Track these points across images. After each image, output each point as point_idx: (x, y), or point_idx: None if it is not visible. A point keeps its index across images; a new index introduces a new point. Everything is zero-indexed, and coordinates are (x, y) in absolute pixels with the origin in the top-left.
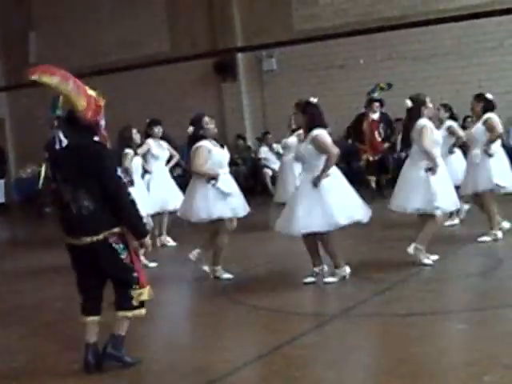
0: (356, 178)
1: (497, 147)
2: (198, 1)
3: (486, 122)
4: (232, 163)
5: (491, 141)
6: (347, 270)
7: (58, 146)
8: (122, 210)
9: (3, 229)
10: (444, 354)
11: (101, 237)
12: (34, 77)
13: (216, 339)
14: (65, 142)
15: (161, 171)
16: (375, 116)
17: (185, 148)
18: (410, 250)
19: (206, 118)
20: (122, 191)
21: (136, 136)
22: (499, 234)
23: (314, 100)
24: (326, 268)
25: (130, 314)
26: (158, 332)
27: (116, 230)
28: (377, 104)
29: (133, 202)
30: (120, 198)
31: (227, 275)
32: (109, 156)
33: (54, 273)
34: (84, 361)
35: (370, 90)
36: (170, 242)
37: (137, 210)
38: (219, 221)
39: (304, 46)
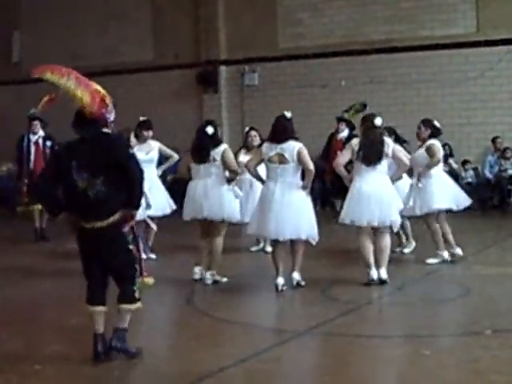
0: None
1: (438, 171)
2: (184, 11)
3: (429, 148)
4: None
5: (429, 166)
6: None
7: (25, 144)
8: (134, 187)
9: None
10: (404, 378)
11: (116, 217)
12: (38, 75)
13: (179, 350)
14: (32, 140)
15: (150, 175)
16: (342, 136)
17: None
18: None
19: None
20: (140, 171)
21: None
22: (445, 255)
23: (287, 114)
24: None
25: (133, 306)
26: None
27: (123, 212)
28: (343, 124)
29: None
30: (138, 177)
31: (225, 279)
32: (123, 143)
33: (23, 272)
34: (94, 351)
35: (343, 110)
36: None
37: (143, 185)
38: (221, 223)
39: (287, 63)
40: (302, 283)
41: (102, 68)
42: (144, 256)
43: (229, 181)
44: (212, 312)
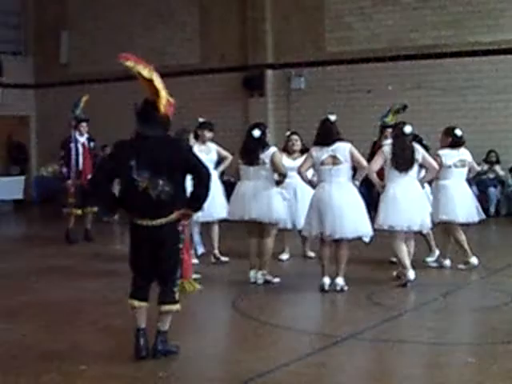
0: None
1: (456, 181)
2: (231, 15)
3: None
4: None
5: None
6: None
7: (73, 145)
8: (204, 188)
9: (19, 226)
10: None
11: (172, 217)
12: (129, 63)
13: (223, 352)
14: (80, 141)
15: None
16: (385, 143)
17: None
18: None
19: None
20: (209, 174)
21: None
22: (475, 261)
23: (332, 117)
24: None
25: (174, 307)
26: None
27: (183, 211)
28: (389, 130)
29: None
30: (207, 179)
31: (277, 279)
32: (187, 146)
33: (68, 273)
34: (135, 346)
35: (382, 115)
36: (223, 258)
37: (210, 188)
38: (270, 224)
39: (334, 67)
40: (345, 288)
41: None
42: (195, 261)
43: (277, 183)
44: (256, 315)
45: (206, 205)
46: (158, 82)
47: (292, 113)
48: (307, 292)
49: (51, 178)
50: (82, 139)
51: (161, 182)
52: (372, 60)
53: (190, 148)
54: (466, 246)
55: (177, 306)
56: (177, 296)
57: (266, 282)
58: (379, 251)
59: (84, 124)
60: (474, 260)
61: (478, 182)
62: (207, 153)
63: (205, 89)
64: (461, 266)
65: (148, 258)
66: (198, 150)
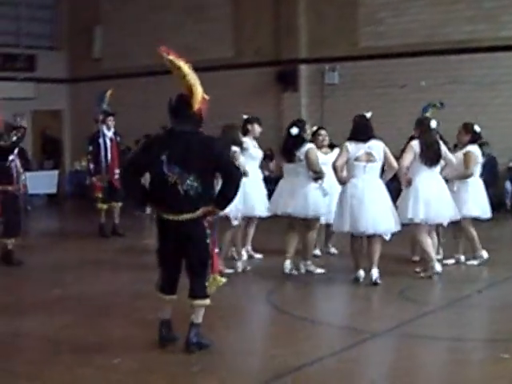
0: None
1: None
2: (264, 9)
3: (465, 155)
4: None
5: (460, 177)
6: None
7: (101, 140)
8: (232, 188)
9: (53, 220)
10: (482, 381)
11: (198, 213)
12: (170, 57)
13: (256, 346)
14: (108, 135)
15: (256, 173)
16: None
17: None
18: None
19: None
20: (239, 173)
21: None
22: (485, 255)
23: (368, 114)
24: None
25: (206, 302)
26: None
27: (209, 208)
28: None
29: (241, 180)
30: (237, 179)
31: (320, 270)
32: (221, 144)
33: (98, 265)
34: (159, 335)
35: (422, 108)
36: (257, 255)
37: (239, 188)
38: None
39: (367, 62)
40: (379, 281)
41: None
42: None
43: (316, 179)
44: (290, 310)
45: (249, 200)
46: (194, 78)
47: (325, 108)
48: (340, 287)
49: (84, 172)
50: (110, 133)
51: (190, 178)
52: (405, 55)
53: (225, 146)
54: (476, 240)
55: (207, 301)
56: (208, 290)
57: (308, 271)
58: (407, 247)
59: (111, 118)
60: (484, 254)
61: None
62: (258, 149)
63: (238, 84)
64: (473, 262)
65: (175, 251)
66: (253, 145)
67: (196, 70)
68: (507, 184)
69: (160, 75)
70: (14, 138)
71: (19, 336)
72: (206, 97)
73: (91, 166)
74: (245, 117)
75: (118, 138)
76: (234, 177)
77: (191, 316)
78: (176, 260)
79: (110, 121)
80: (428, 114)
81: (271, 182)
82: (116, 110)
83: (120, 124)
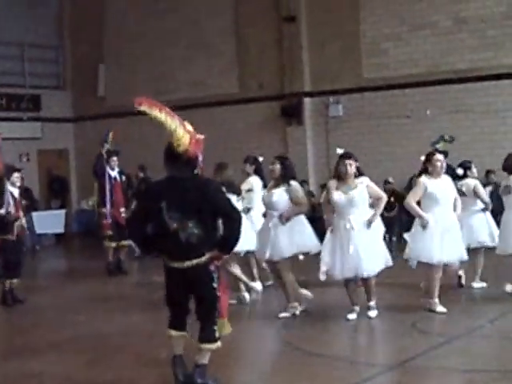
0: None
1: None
2: (268, 43)
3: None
4: None
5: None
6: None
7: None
8: (232, 231)
9: (61, 259)
10: None
11: (203, 259)
12: (143, 108)
13: (269, 383)
14: (112, 175)
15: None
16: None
17: None
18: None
19: None
20: (239, 214)
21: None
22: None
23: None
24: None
25: (214, 346)
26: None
27: (214, 253)
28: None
29: (241, 222)
30: (238, 221)
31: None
32: (218, 186)
33: (110, 303)
34: (173, 372)
35: (433, 141)
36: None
37: (241, 230)
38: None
39: (371, 93)
40: (375, 314)
41: (186, 101)
42: (233, 301)
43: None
44: (302, 345)
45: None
46: (172, 123)
47: (331, 141)
48: (352, 321)
49: (92, 210)
50: (114, 173)
51: (190, 225)
52: (410, 85)
53: (221, 188)
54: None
55: (217, 344)
56: (216, 334)
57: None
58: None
59: (114, 158)
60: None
61: None
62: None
63: (244, 118)
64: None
65: (181, 296)
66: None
67: (202, 105)
68: None
69: None
70: None
71: (33, 377)
72: (201, 136)
73: (103, 210)
74: (258, 157)
75: (124, 177)
76: (231, 219)
77: (196, 356)
78: (183, 302)
79: (113, 161)
80: (439, 146)
81: None
82: (122, 148)
83: (128, 162)
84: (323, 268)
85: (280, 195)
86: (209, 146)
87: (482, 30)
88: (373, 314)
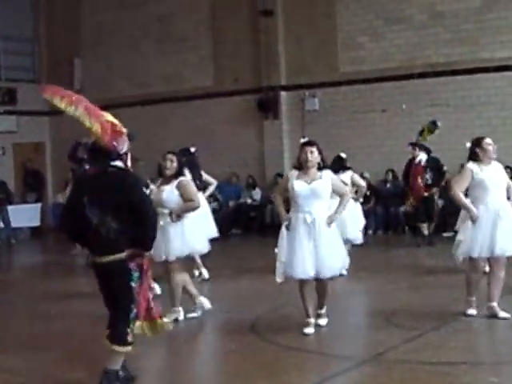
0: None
1: None
2: (244, 37)
3: None
4: (268, 201)
5: None
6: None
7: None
8: (144, 228)
9: (36, 253)
10: None
11: (122, 255)
12: (45, 96)
13: (244, 378)
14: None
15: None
16: (419, 159)
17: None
18: None
19: None
20: (153, 212)
21: None
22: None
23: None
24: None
25: (123, 349)
26: (184, 369)
27: (134, 250)
28: (416, 148)
29: (156, 218)
30: (150, 218)
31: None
32: (136, 181)
33: (84, 299)
34: None
35: (417, 134)
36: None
37: (156, 227)
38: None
39: (347, 87)
40: (325, 323)
41: (162, 95)
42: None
43: None
44: (276, 339)
45: None
46: (76, 112)
47: (307, 134)
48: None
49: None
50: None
51: (108, 219)
52: (386, 79)
53: (140, 183)
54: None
55: (126, 348)
56: (129, 338)
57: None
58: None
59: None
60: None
61: None
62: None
63: (219, 112)
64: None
65: (104, 294)
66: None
67: (177, 98)
68: None
69: (139, 106)
70: None
71: (4, 372)
72: (122, 129)
73: None
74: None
75: None
76: (143, 215)
77: (107, 361)
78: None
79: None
80: (421, 139)
81: (254, 210)
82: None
83: None
84: (280, 269)
85: (170, 192)
86: (184, 140)
87: (458, 24)
88: (323, 322)
